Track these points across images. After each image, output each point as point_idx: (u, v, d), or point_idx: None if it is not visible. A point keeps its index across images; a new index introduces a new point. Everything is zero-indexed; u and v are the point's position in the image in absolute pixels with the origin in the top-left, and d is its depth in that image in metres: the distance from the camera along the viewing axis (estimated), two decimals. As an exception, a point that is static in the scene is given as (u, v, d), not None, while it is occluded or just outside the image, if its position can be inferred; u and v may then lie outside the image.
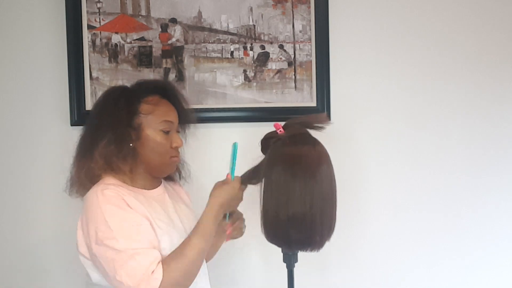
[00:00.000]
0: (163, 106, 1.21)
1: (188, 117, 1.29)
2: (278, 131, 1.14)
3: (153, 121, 1.18)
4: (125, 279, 1.03)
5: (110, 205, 1.08)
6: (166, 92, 1.24)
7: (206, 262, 1.35)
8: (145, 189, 1.22)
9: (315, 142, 1.12)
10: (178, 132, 1.25)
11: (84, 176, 1.17)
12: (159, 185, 1.27)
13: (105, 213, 1.07)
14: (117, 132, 1.15)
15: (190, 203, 1.39)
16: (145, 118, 1.18)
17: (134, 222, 1.09)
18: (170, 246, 1.13)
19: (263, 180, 1.13)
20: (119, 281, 1.03)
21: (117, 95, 1.21)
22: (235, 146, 1.19)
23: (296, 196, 1.06)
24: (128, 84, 1.27)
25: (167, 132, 1.20)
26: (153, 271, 1.03)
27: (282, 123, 1.17)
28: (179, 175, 1.36)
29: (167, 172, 1.26)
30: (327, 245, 1.12)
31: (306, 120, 1.16)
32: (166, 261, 1.07)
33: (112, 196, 1.10)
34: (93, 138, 1.17)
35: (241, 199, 1.20)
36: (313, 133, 1.16)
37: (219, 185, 1.19)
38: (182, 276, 1.07)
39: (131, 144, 1.16)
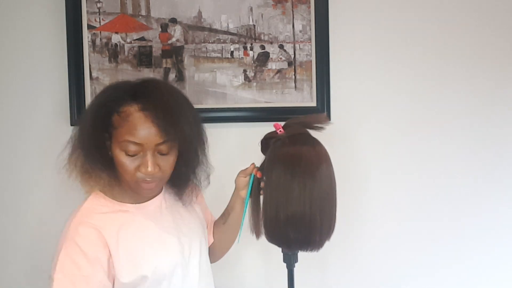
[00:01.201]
0: (133, 121, 0.98)
1: (188, 137, 1.03)
2: (278, 131, 1.14)
3: (116, 138, 1.00)
4: None
5: (78, 256, 1.01)
6: (149, 104, 0.99)
7: (215, 260, 1.34)
8: (137, 203, 1.11)
9: (315, 142, 1.12)
10: (163, 154, 1.02)
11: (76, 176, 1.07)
12: (155, 196, 1.15)
13: (68, 250, 1.01)
14: (91, 147, 1.02)
15: (198, 210, 1.27)
16: (115, 132, 1.00)
17: (88, 275, 1.00)
18: (168, 265, 1.09)
19: (262, 180, 1.14)
20: None
21: (105, 96, 1.05)
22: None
23: (296, 196, 1.06)
24: (130, 79, 1.09)
25: (133, 156, 1.00)
26: None
27: (282, 123, 1.17)
28: (185, 188, 1.17)
29: (143, 195, 1.09)
30: (327, 245, 1.12)
31: (306, 120, 1.16)
32: None
33: (84, 238, 1.02)
34: (73, 147, 1.07)
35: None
36: (313, 133, 1.16)
37: None
38: None
39: (109, 152, 1.03)
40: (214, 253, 1.34)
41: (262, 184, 1.17)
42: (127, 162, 1.00)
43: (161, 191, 1.17)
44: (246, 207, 1.21)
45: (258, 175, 1.18)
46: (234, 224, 1.27)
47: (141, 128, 0.98)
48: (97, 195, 1.10)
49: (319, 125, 1.15)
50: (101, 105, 1.02)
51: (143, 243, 1.08)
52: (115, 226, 1.05)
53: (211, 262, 1.27)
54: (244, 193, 1.22)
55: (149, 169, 1.00)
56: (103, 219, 1.06)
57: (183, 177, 1.12)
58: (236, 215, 1.26)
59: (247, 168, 1.21)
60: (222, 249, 1.36)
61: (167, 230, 1.13)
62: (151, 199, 1.14)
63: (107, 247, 1.03)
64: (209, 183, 1.19)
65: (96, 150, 1.02)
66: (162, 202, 1.17)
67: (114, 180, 1.06)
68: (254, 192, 1.19)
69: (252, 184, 1.19)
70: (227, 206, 1.29)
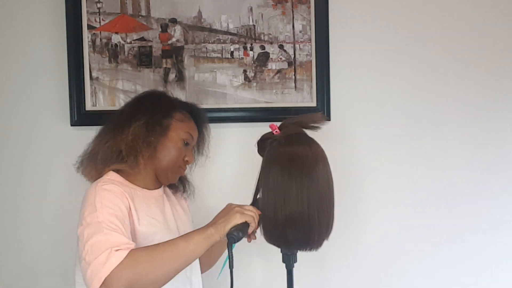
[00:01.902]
0: (191, 123, 1.31)
1: (204, 143, 1.39)
2: (274, 132, 1.14)
3: (180, 128, 1.27)
4: (87, 252, 1.02)
5: (103, 191, 1.13)
6: (196, 116, 1.34)
7: (203, 272, 1.38)
8: (146, 188, 1.27)
9: (311, 142, 1.12)
10: (193, 151, 1.34)
11: (105, 150, 1.21)
12: (159, 187, 1.32)
13: (96, 197, 1.11)
14: (153, 119, 1.23)
15: (188, 211, 1.44)
16: (175, 123, 1.26)
17: (119, 211, 1.11)
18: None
19: (260, 180, 1.14)
20: (83, 257, 1.03)
21: (159, 95, 1.33)
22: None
23: (293, 196, 1.06)
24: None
25: (186, 144, 1.27)
26: (118, 250, 1.01)
27: (278, 123, 1.17)
28: (183, 188, 1.41)
29: (170, 179, 1.30)
30: (326, 244, 1.12)
31: (302, 120, 1.16)
32: (136, 249, 1.05)
33: (109, 187, 1.15)
34: (128, 117, 1.24)
35: (235, 214, 1.11)
36: (311, 133, 1.16)
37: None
38: (145, 267, 1.01)
39: (152, 138, 1.22)
40: (203, 265, 1.39)
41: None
42: (180, 150, 1.26)
43: (161, 186, 1.33)
44: (223, 266, 1.17)
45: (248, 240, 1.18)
46: (216, 251, 1.33)
47: (195, 129, 1.32)
48: (113, 174, 1.23)
49: (316, 125, 1.14)
50: (166, 100, 1.30)
51: (152, 215, 1.22)
52: (129, 195, 1.19)
53: (203, 271, 1.40)
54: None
55: (191, 158, 1.30)
56: (121, 187, 1.18)
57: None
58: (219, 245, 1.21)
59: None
60: (209, 262, 1.42)
61: (167, 216, 1.28)
62: (156, 188, 1.30)
63: (127, 199, 1.17)
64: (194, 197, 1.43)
65: (152, 130, 1.22)
66: (163, 194, 1.33)
67: (137, 167, 1.21)
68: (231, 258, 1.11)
69: (230, 253, 1.10)
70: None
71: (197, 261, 1.32)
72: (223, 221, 1.09)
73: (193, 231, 1.10)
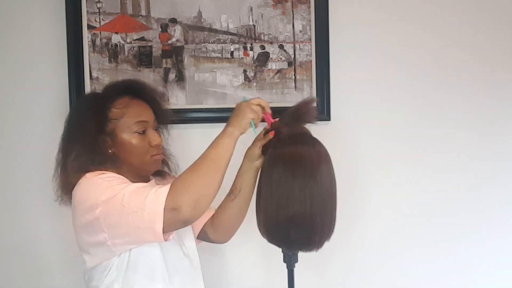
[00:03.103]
0: (133, 107, 1.20)
1: (164, 112, 1.28)
2: (271, 121, 1.17)
3: (125, 124, 1.18)
4: (131, 205, 1.02)
5: (98, 177, 1.11)
6: (136, 92, 1.23)
7: (225, 240, 1.38)
8: None
9: (315, 142, 1.12)
10: (155, 129, 1.24)
11: (64, 187, 1.18)
12: (147, 182, 1.26)
13: (96, 182, 1.10)
14: (86, 143, 1.15)
15: None
16: (117, 123, 1.17)
17: (123, 178, 1.12)
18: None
19: (262, 180, 1.13)
20: (127, 213, 1.02)
21: (84, 105, 1.24)
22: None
23: (296, 196, 1.06)
24: (99, 90, 1.27)
25: (142, 132, 1.19)
26: (160, 187, 1.04)
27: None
28: (168, 168, 1.35)
29: (151, 170, 1.25)
30: (327, 245, 1.12)
31: (295, 109, 1.16)
32: (177, 177, 1.08)
33: (99, 172, 1.13)
34: (64, 151, 1.19)
35: (247, 109, 1.16)
36: (314, 133, 1.16)
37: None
38: (194, 183, 1.04)
39: (110, 151, 1.17)
40: (224, 231, 1.36)
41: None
42: (139, 142, 1.18)
43: (149, 180, 1.28)
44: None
45: (271, 134, 1.19)
46: (246, 199, 1.27)
47: (143, 109, 1.21)
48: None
49: (310, 113, 1.14)
50: (95, 109, 1.17)
51: None
52: None
53: (223, 241, 1.38)
54: (259, 163, 1.21)
55: (158, 139, 1.21)
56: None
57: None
58: (248, 189, 1.25)
59: (264, 138, 1.22)
60: (232, 227, 1.36)
61: None
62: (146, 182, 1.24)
63: None
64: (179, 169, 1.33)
65: (99, 148, 1.15)
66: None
67: (115, 170, 1.17)
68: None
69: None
70: (235, 182, 1.28)
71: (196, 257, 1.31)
72: (237, 118, 1.14)
73: (217, 137, 1.13)
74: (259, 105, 1.16)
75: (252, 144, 1.24)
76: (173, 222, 1.02)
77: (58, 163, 1.21)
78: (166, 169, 1.35)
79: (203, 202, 1.04)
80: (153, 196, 1.02)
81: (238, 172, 1.27)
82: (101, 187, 1.08)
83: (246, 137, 1.25)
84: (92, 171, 1.14)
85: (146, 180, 1.26)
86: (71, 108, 1.28)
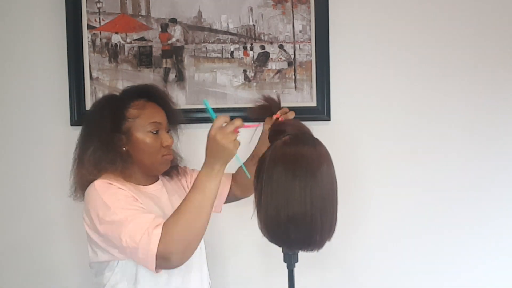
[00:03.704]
0: (149, 108, 1.26)
1: (176, 116, 1.34)
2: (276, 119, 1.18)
3: (140, 124, 1.24)
4: (128, 241, 1.08)
5: (106, 190, 1.16)
6: (151, 95, 1.29)
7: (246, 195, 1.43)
8: (140, 185, 1.28)
9: (316, 142, 1.12)
10: (167, 131, 1.30)
11: (79, 182, 1.24)
12: (155, 181, 1.32)
13: (103, 196, 1.14)
14: (102, 139, 1.21)
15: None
16: (133, 122, 1.24)
17: (128, 198, 1.16)
18: None
19: (263, 179, 1.13)
20: (125, 247, 1.09)
21: (102, 104, 1.28)
22: (205, 102, 1.19)
23: (297, 196, 1.06)
24: (117, 92, 1.33)
25: (156, 133, 1.25)
26: (153, 228, 1.07)
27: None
28: (176, 169, 1.39)
29: (161, 170, 1.30)
30: (327, 245, 1.12)
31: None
32: (166, 221, 1.10)
33: (107, 184, 1.18)
34: (82, 147, 1.24)
35: (228, 146, 1.10)
36: (314, 133, 1.16)
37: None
38: (182, 230, 1.08)
39: (124, 148, 1.23)
40: (249, 189, 1.35)
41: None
42: (153, 141, 1.24)
43: (158, 179, 1.34)
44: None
45: (281, 119, 1.20)
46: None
47: (157, 111, 1.27)
48: (107, 175, 1.22)
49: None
50: (114, 108, 1.24)
51: (149, 209, 1.20)
52: (124, 187, 1.20)
53: (245, 196, 1.45)
54: (267, 126, 1.23)
55: (170, 140, 1.27)
56: (115, 183, 1.20)
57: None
58: (263, 146, 1.25)
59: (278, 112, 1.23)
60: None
61: (166, 211, 1.25)
62: (151, 183, 1.30)
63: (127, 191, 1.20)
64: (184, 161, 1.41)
65: (114, 146, 1.21)
66: (162, 187, 1.33)
67: (125, 168, 1.24)
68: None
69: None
70: (255, 149, 1.34)
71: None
72: (219, 154, 1.10)
73: (200, 177, 1.11)
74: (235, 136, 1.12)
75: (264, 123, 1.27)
76: (164, 267, 1.10)
77: (75, 159, 1.26)
78: (174, 171, 1.39)
79: (191, 248, 1.11)
80: (146, 239, 1.06)
81: (259, 140, 1.32)
82: (106, 206, 1.13)
83: (246, 138, 1.25)
84: (104, 169, 1.20)
85: (154, 178, 1.32)
86: (90, 107, 1.34)
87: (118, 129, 1.23)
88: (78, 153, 1.25)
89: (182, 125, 1.37)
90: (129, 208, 1.13)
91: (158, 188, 1.31)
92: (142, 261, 1.09)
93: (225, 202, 1.46)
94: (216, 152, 1.10)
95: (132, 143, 1.23)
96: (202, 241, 1.32)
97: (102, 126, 1.22)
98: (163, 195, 1.31)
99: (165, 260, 1.06)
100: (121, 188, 1.17)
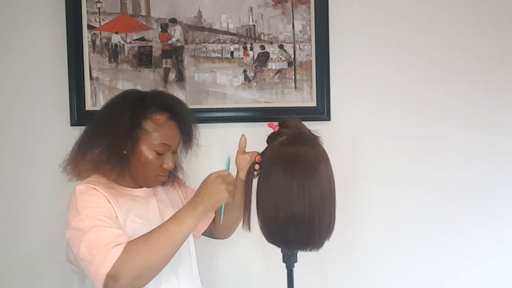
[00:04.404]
0: (166, 128, 1.21)
1: (191, 139, 1.29)
2: (274, 129, 1.15)
3: (150, 140, 1.19)
4: (85, 252, 1.04)
5: (84, 196, 1.13)
6: (176, 115, 1.24)
7: (225, 236, 1.41)
8: (131, 187, 1.25)
9: (314, 143, 1.12)
10: (174, 152, 1.26)
11: (72, 169, 1.21)
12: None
13: (78, 202, 1.12)
14: (111, 143, 1.17)
15: (183, 199, 1.40)
16: (145, 135, 1.19)
17: (102, 208, 1.12)
18: None
19: (262, 180, 1.13)
20: (81, 258, 1.05)
21: (127, 103, 1.22)
22: (228, 160, 1.21)
23: (295, 196, 1.06)
24: (147, 89, 1.29)
25: (161, 154, 1.21)
26: (114, 245, 1.04)
27: (275, 123, 1.17)
28: (175, 179, 1.37)
29: (150, 186, 1.27)
30: (326, 244, 1.12)
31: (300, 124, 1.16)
32: (131, 241, 1.07)
33: (87, 188, 1.15)
34: (89, 141, 1.20)
35: (223, 192, 1.13)
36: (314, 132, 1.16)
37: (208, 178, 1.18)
38: (145, 255, 1.04)
39: (125, 152, 1.18)
40: (220, 232, 1.42)
41: (257, 166, 1.18)
42: (154, 160, 1.20)
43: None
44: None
45: (258, 159, 1.18)
46: (237, 204, 1.27)
47: (172, 134, 1.22)
48: (98, 176, 1.21)
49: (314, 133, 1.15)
50: (133, 112, 1.19)
51: (136, 212, 1.21)
52: (111, 196, 1.18)
53: (224, 237, 1.42)
54: (243, 174, 1.22)
55: (171, 165, 1.22)
56: (100, 188, 1.17)
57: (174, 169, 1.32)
58: (238, 195, 1.24)
59: (248, 153, 1.22)
60: (228, 229, 1.40)
61: (152, 216, 1.25)
62: (141, 187, 1.27)
63: (108, 201, 1.16)
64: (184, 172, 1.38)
65: (119, 148, 1.17)
66: (152, 194, 1.30)
67: (121, 172, 1.21)
68: (250, 176, 1.19)
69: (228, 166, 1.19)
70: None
71: (187, 252, 1.31)
72: (211, 197, 1.12)
73: (183, 210, 1.12)
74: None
75: (237, 156, 1.25)
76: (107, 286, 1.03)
77: (78, 148, 1.22)
78: (169, 180, 1.35)
79: (145, 277, 1.06)
80: (102, 256, 1.02)
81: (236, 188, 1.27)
82: (77, 211, 1.10)
83: (246, 138, 1.25)
84: (100, 170, 1.19)
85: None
86: (113, 98, 1.27)
87: (129, 133, 1.18)
88: (82, 146, 1.21)
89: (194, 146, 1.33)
90: (99, 219, 1.09)
91: (147, 194, 1.28)
92: (92, 277, 1.04)
93: (202, 234, 1.42)
94: (208, 194, 1.12)
95: (135, 152, 1.19)
96: (194, 250, 1.33)
97: (118, 129, 1.17)
98: (151, 199, 1.28)
99: (114, 281, 1.01)
100: (103, 196, 1.14)
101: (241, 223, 1.21)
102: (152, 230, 1.09)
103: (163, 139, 1.20)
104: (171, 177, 1.34)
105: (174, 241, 1.08)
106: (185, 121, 1.25)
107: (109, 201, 1.16)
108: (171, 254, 1.09)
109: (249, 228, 1.18)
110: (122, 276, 1.01)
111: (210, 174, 1.15)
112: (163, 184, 1.33)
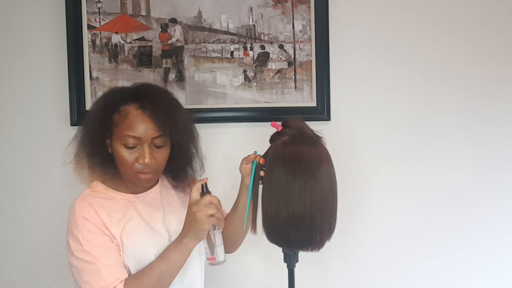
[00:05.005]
0: (132, 118, 1.12)
1: (178, 131, 1.16)
2: (277, 129, 1.15)
3: (118, 134, 1.13)
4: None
5: (85, 219, 1.14)
6: (145, 103, 1.14)
7: (233, 250, 1.38)
8: (133, 193, 1.23)
9: (316, 143, 1.12)
10: (157, 146, 1.15)
11: (78, 174, 1.22)
12: (151, 187, 1.26)
13: (79, 226, 1.13)
14: (94, 144, 1.16)
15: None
16: (115, 129, 1.14)
17: (101, 236, 1.14)
18: (153, 250, 1.17)
19: (264, 180, 1.13)
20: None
21: (104, 101, 1.19)
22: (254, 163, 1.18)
23: (296, 196, 1.06)
24: (128, 84, 1.27)
25: (131, 148, 1.13)
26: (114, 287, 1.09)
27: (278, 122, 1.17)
28: (189, 184, 1.29)
29: (137, 185, 1.21)
30: (327, 245, 1.12)
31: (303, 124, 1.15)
32: (127, 279, 1.12)
33: (88, 211, 1.15)
34: (80, 147, 1.20)
35: (203, 220, 1.08)
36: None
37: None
38: None
39: (110, 151, 1.17)
40: (229, 243, 1.32)
41: (262, 172, 1.15)
42: (126, 155, 1.13)
43: (157, 183, 1.28)
44: (250, 194, 1.19)
45: (261, 162, 1.16)
46: (243, 212, 1.24)
47: (139, 124, 1.12)
48: (97, 184, 1.22)
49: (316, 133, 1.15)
50: (103, 107, 1.16)
51: (137, 223, 1.19)
52: (108, 209, 1.17)
53: (229, 252, 1.33)
54: (248, 180, 1.20)
55: (146, 160, 1.12)
56: (99, 201, 1.17)
57: (179, 168, 1.25)
58: (244, 203, 1.23)
59: (249, 156, 1.19)
60: (236, 239, 1.35)
61: (156, 220, 1.22)
62: (147, 189, 1.24)
63: (103, 223, 1.16)
64: (204, 170, 1.29)
65: (98, 148, 1.15)
66: (157, 195, 1.27)
67: (115, 173, 1.19)
68: (257, 180, 1.17)
69: (255, 171, 1.17)
70: (236, 203, 1.28)
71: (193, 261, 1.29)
72: (194, 229, 1.09)
73: (169, 247, 1.13)
74: (212, 211, 1.09)
75: (241, 163, 1.22)
76: None
77: (75, 154, 1.22)
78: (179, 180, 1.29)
79: None
80: None
81: (239, 193, 1.26)
82: (77, 238, 1.13)
83: (246, 141, 1.25)
84: (96, 171, 1.19)
85: (149, 187, 1.25)
86: (94, 98, 1.33)
87: (106, 132, 1.15)
88: (77, 152, 1.21)
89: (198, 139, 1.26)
90: (102, 254, 1.12)
91: (154, 196, 1.26)
92: None
93: None
94: (188, 224, 1.10)
95: (113, 150, 1.16)
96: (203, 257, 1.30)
97: (94, 128, 1.16)
98: (157, 204, 1.25)
99: None
100: (98, 218, 1.14)
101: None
102: (144, 269, 1.12)
103: (128, 130, 1.11)
104: (185, 180, 1.27)
105: (163, 278, 1.12)
106: (157, 109, 1.13)
107: (104, 225, 1.15)
108: (166, 287, 1.13)
109: (255, 231, 1.18)
110: None
111: (189, 202, 1.11)
112: (176, 187, 1.29)
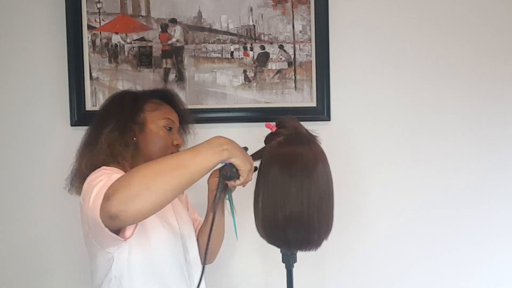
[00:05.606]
0: (165, 107, 1.30)
1: (187, 118, 1.37)
2: (272, 130, 1.15)
3: (156, 117, 1.25)
4: (90, 183, 1.04)
5: (102, 169, 1.10)
6: (168, 98, 1.33)
7: (208, 262, 1.33)
8: None
9: (311, 142, 1.12)
10: (179, 133, 1.32)
11: (85, 165, 1.17)
12: None
13: (96, 173, 1.08)
14: (121, 121, 1.21)
15: (184, 200, 1.43)
16: (149, 114, 1.25)
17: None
18: (159, 238, 1.18)
19: (259, 181, 1.13)
20: (85, 191, 1.04)
21: (122, 95, 1.29)
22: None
23: (293, 196, 1.06)
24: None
25: (169, 129, 1.26)
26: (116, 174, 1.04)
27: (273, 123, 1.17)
28: None
29: None
30: (325, 244, 1.12)
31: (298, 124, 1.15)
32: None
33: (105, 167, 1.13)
34: (98, 127, 1.22)
35: (246, 155, 1.06)
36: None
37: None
38: (144, 178, 0.94)
39: (134, 139, 1.22)
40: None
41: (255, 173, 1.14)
42: (165, 135, 1.26)
43: None
44: (232, 206, 1.20)
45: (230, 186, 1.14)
46: (219, 224, 1.31)
47: (172, 112, 1.31)
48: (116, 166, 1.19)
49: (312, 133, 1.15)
50: (134, 98, 1.27)
51: None
52: None
53: (208, 263, 1.34)
54: (214, 194, 1.15)
55: (180, 140, 1.29)
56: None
57: None
58: (217, 215, 1.26)
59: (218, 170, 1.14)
60: (212, 251, 1.35)
61: (166, 210, 1.25)
62: None
63: None
64: None
65: (125, 131, 1.21)
66: None
67: (136, 160, 1.21)
68: (222, 199, 1.17)
69: (220, 192, 1.11)
70: (207, 207, 1.32)
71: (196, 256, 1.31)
72: (236, 149, 1.03)
73: (201, 144, 1.01)
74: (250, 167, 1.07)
75: (210, 176, 1.24)
76: (102, 212, 0.95)
77: (86, 142, 1.23)
78: None
79: (140, 200, 0.92)
80: (105, 181, 0.99)
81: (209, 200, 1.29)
82: (95, 174, 1.08)
83: (246, 141, 1.24)
84: (117, 153, 1.18)
85: None
86: (108, 97, 1.30)
87: (133, 119, 1.22)
88: (92, 135, 1.22)
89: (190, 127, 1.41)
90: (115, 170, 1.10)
91: None
92: (90, 207, 0.98)
93: None
94: (234, 145, 1.02)
95: (145, 134, 1.23)
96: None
97: (122, 112, 1.22)
98: None
99: (105, 201, 0.93)
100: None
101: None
102: (164, 157, 1.00)
103: (168, 114, 1.28)
104: None
105: (182, 168, 0.95)
106: (176, 103, 1.34)
107: None
108: (174, 184, 0.95)
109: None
110: (114, 195, 0.92)
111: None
112: None
